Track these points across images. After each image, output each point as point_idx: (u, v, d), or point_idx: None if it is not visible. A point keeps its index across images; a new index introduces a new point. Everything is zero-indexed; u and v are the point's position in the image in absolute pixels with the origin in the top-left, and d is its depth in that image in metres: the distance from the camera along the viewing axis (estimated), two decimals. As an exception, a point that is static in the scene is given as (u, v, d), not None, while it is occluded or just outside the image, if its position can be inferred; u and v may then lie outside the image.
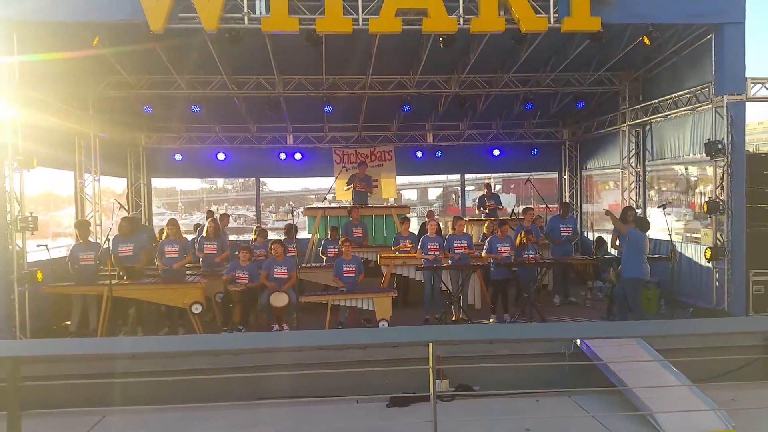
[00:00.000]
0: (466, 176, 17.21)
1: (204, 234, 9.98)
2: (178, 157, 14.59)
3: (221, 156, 14.59)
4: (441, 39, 8.48)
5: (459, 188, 18.10)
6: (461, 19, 8.15)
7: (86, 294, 8.67)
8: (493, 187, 14.18)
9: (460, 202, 17.63)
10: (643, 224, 8.84)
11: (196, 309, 8.45)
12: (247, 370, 6.88)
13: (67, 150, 11.28)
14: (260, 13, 8.00)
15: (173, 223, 9.53)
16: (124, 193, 14.60)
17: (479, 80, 11.88)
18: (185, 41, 9.11)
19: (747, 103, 8.80)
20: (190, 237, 10.84)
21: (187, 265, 9.60)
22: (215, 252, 9.79)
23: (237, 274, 8.88)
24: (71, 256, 8.98)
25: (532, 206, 11.86)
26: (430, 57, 10.05)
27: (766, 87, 8.89)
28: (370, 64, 10.61)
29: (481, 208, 13.45)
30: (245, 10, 7.96)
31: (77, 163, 11.58)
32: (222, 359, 7.15)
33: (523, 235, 9.38)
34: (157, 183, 17.13)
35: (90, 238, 9.46)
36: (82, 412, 5.79)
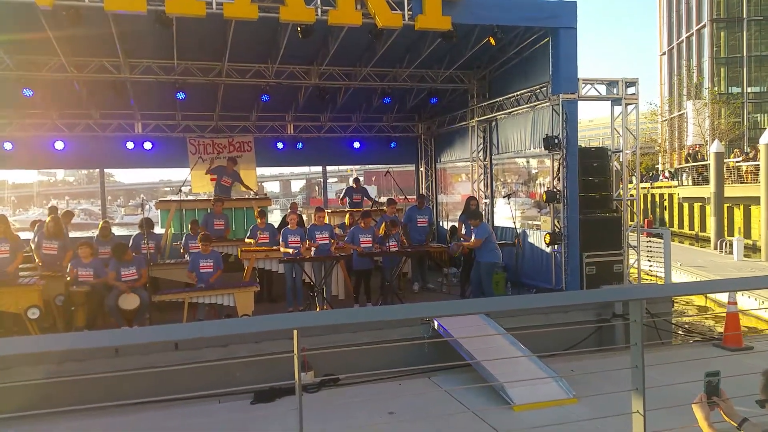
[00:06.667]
0: (328, 168, 17.36)
1: (45, 232, 9.06)
2: (8, 145, 13.03)
3: (59, 145, 13.24)
4: (299, 29, 8.40)
5: (321, 180, 18.18)
6: (319, 10, 8.12)
7: None
8: (361, 182, 14.58)
9: (322, 193, 17.73)
10: (476, 215, 9.71)
11: (33, 314, 7.63)
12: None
13: None
14: (103, -10, 7.38)
15: (2, 219, 8.54)
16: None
17: (339, 72, 11.92)
18: (12, 14, 8.14)
19: (579, 102, 9.77)
20: (25, 235, 9.76)
21: (21, 266, 8.66)
22: (55, 252, 8.93)
23: (79, 272, 8.18)
24: None
25: (394, 198, 12.28)
26: (289, 47, 9.92)
27: (595, 87, 9.94)
28: (225, 51, 10.22)
29: (346, 199, 13.81)
30: (85, -14, 7.31)
31: None
32: (66, 366, 6.55)
33: (387, 224, 9.63)
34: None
35: None
36: None
